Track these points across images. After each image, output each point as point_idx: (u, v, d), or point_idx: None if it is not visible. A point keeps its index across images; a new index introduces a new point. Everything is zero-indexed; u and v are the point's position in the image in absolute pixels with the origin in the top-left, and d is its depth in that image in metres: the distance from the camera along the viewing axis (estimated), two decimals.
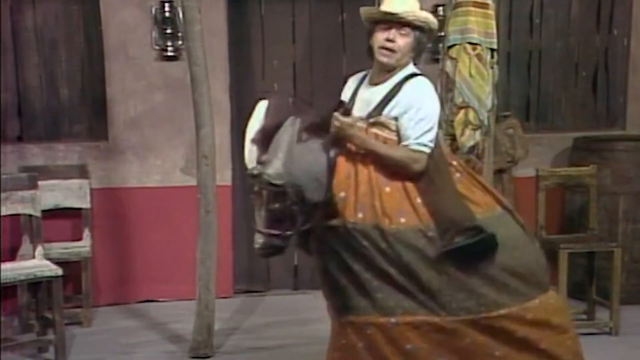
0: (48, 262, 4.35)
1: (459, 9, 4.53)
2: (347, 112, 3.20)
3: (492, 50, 4.57)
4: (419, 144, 3.10)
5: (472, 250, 3.03)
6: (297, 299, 5.49)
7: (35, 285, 4.59)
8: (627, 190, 5.06)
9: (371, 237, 3.05)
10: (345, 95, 3.34)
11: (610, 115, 5.84)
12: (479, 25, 4.50)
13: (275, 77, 5.50)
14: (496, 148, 4.82)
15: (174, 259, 5.24)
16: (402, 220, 3.06)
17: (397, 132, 3.14)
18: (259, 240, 3.04)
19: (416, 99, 3.12)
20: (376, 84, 3.23)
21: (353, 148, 3.13)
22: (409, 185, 3.11)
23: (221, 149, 4.90)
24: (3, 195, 4.29)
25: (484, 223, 3.08)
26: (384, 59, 3.17)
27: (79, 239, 5.02)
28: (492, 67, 4.59)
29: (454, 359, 3.10)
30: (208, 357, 4.37)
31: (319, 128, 3.11)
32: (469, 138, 4.56)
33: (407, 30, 3.15)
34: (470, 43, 4.49)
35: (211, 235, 4.34)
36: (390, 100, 3.15)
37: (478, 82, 4.53)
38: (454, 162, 3.29)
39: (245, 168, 3.12)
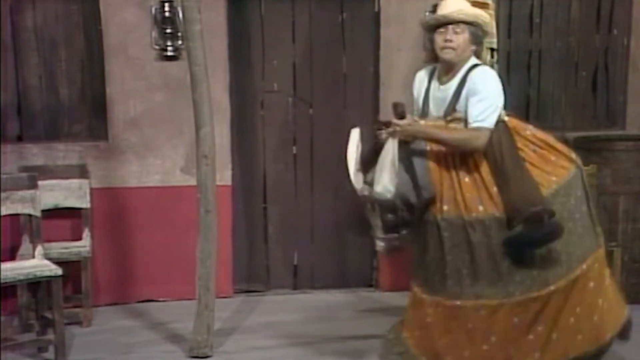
0: (48, 262, 4.35)
1: None
2: (402, 115, 3.51)
3: (492, 49, 4.57)
4: (477, 120, 3.42)
5: (534, 237, 3.35)
6: (296, 299, 5.49)
7: (35, 285, 4.59)
8: (627, 190, 5.06)
9: (454, 227, 3.43)
10: (418, 91, 3.71)
11: (610, 115, 5.83)
12: None
13: (275, 76, 5.50)
14: None
15: (174, 259, 5.24)
16: (481, 208, 3.41)
17: None
18: (380, 244, 3.57)
19: (478, 84, 3.47)
20: (445, 82, 3.57)
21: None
22: (486, 175, 3.44)
23: (221, 149, 4.90)
24: (3, 195, 4.29)
25: (556, 195, 3.43)
26: (448, 56, 3.54)
27: (79, 238, 5.02)
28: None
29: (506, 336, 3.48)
30: (208, 356, 4.37)
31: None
32: None
33: (461, 27, 3.51)
34: None
35: (211, 235, 4.34)
36: (460, 94, 3.49)
37: None
38: (527, 132, 3.59)
39: (353, 190, 3.60)
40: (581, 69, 5.78)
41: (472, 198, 3.43)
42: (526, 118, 5.66)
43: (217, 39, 5.16)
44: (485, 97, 3.45)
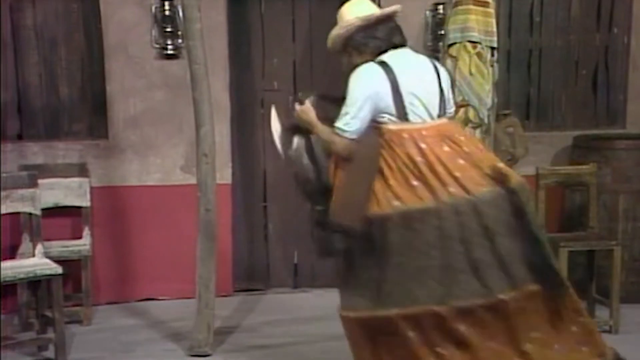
0: (48, 261, 4.36)
1: (459, 8, 4.54)
2: (301, 102, 3.37)
3: (492, 48, 4.58)
4: (334, 126, 3.14)
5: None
6: (296, 298, 5.49)
7: (35, 283, 4.58)
8: (627, 189, 5.06)
9: None
10: None
11: (610, 114, 5.83)
12: (479, 24, 4.51)
13: (275, 75, 5.50)
14: (496, 146, 4.82)
15: (174, 258, 5.24)
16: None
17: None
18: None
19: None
20: None
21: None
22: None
23: (221, 148, 4.90)
24: (3, 193, 4.29)
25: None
26: None
27: (79, 237, 5.02)
28: (492, 66, 4.60)
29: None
30: (208, 355, 4.38)
31: None
32: None
33: None
34: (470, 41, 4.50)
35: (211, 234, 4.34)
36: None
37: (478, 80, 4.54)
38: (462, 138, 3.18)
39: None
40: (581, 68, 5.78)
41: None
42: (526, 116, 5.69)
43: (217, 38, 5.16)
44: (346, 102, 3.14)
